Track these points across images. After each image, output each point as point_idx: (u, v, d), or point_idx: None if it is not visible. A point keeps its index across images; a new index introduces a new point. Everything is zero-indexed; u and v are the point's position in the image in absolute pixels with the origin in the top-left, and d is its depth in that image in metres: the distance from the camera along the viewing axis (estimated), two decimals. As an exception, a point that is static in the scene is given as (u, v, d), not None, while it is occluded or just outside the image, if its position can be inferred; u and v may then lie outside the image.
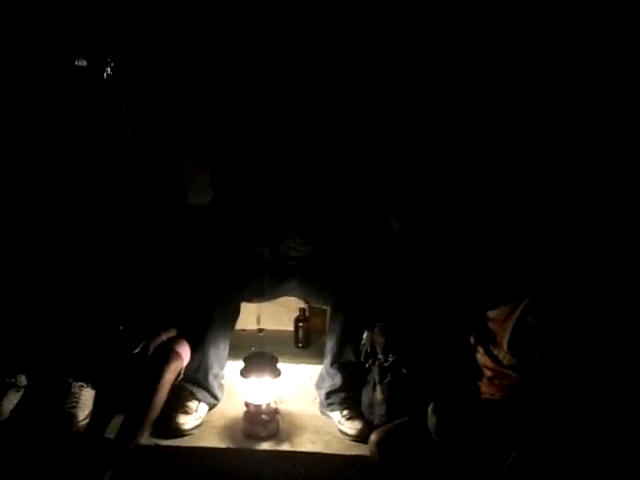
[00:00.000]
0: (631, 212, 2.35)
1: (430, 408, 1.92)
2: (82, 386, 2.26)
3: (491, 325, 2.00)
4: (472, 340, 2.05)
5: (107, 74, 2.72)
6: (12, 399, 2.23)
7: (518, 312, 1.91)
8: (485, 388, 2.00)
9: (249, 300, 2.53)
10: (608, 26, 2.51)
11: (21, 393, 2.26)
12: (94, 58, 2.71)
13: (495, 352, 1.95)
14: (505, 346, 1.92)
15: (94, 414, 2.20)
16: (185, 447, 2.22)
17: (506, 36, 2.64)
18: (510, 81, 2.63)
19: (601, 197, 2.42)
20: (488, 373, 1.99)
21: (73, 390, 2.24)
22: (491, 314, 2.00)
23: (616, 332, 1.96)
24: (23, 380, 2.26)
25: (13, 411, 2.22)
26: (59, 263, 2.38)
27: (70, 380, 2.25)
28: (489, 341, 1.99)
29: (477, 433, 1.85)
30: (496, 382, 1.96)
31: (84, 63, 2.72)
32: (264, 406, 2.26)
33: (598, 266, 2.25)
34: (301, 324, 2.73)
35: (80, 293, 2.34)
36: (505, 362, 1.92)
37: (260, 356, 2.32)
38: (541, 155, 2.56)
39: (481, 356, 2.01)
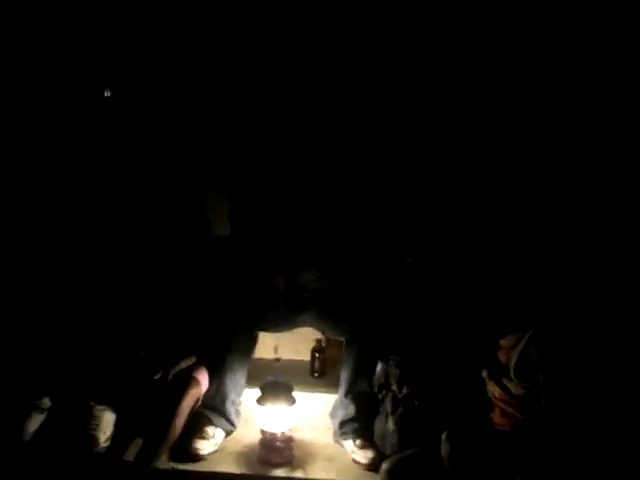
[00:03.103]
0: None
1: (444, 436, 1.97)
2: (103, 409, 2.31)
3: (500, 354, 2.05)
4: (484, 374, 2.10)
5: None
6: (36, 421, 2.28)
7: (524, 341, 1.96)
8: (497, 419, 2.04)
9: (265, 330, 2.59)
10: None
11: (44, 415, 2.31)
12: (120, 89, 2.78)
13: (504, 382, 2.00)
14: (512, 374, 1.96)
15: (114, 437, 2.22)
16: (201, 472, 2.25)
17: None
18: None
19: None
20: (499, 404, 2.03)
21: (95, 413, 2.29)
22: (501, 342, 2.05)
23: (617, 366, 2.01)
24: (47, 402, 2.31)
25: (36, 432, 2.27)
26: (84, 289, 2.45)
27: (92, 403, 2.30)
28: (500, 372, 2.03)
29: (487, 462, 1.90)
30: (507, 412, 2.00)
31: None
32: (279, 434, 2.30)
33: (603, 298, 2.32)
34: (317, 354, 2.77)
35: (104, 320, 2.40)
36: (513, 391, 1.97)
37: (276, 385, 2.36)
38: (555, 186, 2.61)
39: (491, 387, 2.06)
